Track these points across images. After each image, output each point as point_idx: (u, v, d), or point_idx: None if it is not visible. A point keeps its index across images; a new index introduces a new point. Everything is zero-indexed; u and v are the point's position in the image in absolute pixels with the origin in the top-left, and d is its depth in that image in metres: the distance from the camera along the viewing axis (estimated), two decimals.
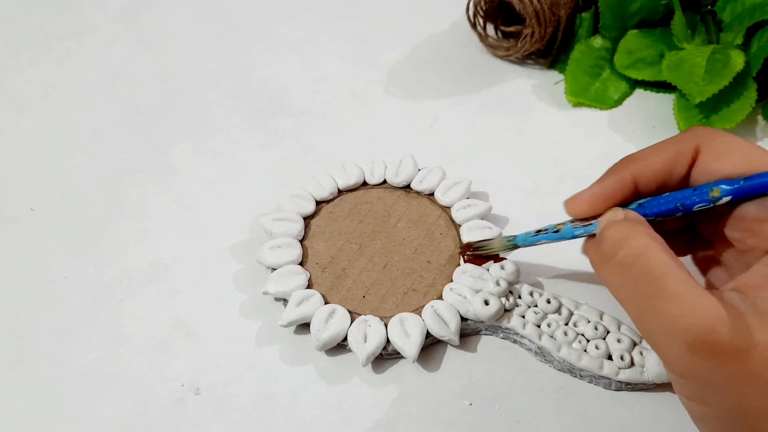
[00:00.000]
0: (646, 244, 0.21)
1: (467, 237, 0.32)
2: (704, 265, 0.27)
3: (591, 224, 0.25)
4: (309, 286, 0.31)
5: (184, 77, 0.45)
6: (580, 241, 0.29)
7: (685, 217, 0.26)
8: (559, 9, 0.42)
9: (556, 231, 0.27)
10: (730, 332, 0.19)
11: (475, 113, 0.42)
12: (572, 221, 0.26)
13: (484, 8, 0.44)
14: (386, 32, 0.48)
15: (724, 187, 0.23)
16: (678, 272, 0.20)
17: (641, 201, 0.25)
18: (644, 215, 0.24)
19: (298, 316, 0.30)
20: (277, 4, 0.51)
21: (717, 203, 0.23)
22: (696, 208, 0.23)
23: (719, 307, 0.20)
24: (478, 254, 0.31)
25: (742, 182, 0.22)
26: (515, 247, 0.30)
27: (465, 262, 0.31)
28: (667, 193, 0.24)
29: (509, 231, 0.34)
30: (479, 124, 0.41)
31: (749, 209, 0.23)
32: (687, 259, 0.28)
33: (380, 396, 0.29)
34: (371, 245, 0.33)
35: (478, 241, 0.31)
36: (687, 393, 0.21)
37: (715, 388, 0.20)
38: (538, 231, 0.28)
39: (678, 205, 0.24)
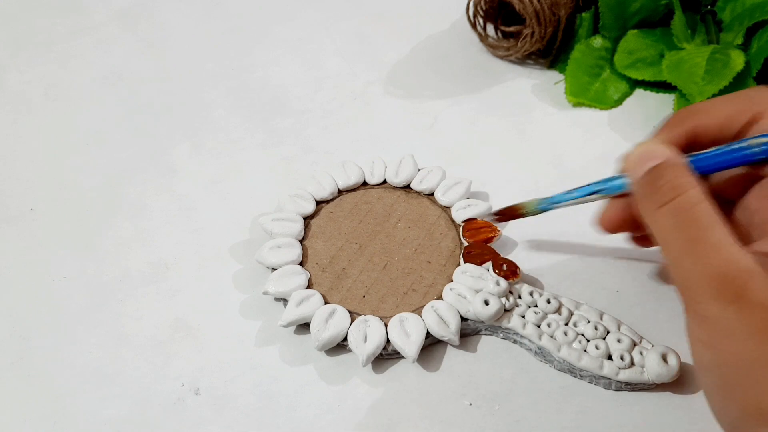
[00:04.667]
0: (699, 196, 0.23)
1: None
2: None
3: None
4: (309, 286, 0.31)
5: (184, 77, 0.45)
6: (584, 239, 0.29)
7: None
8: (559, 9, 0.42)
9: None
10: (758, 285, 0.21)
11: (475, 113, 0.42)
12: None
13: (484, 8, 0.44)
14: (386, 32, 0.48)
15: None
16: (722, 226, 0.22)
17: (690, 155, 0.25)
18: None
19: (298, 316, 0.30)
20: (277, 4, 0.51)
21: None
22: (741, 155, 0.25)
23: (753, 263, 0.21)
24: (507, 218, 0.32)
25: None
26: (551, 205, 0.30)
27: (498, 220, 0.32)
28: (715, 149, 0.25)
29: (509, 231, 0.34)
30: (479, 124, 0.41)
31: None
32: None
33: (380, 396, 0.29)
34: (371, 245, 0.33)
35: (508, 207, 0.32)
36: (702, 336, 0.22)
37: (730, 334, 0.21)
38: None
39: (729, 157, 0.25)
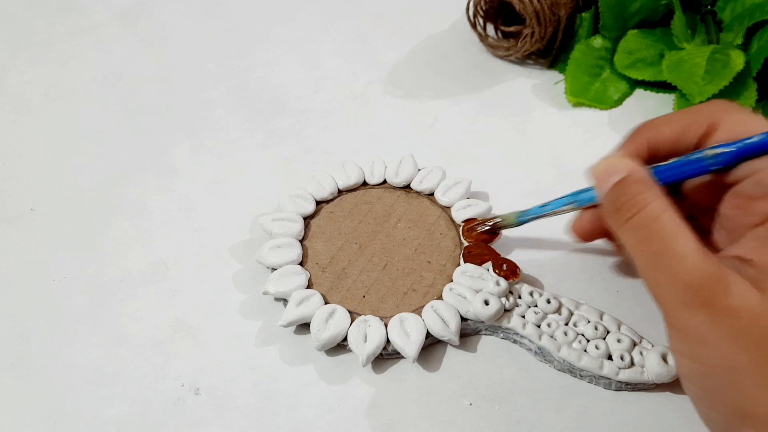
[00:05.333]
0: (660, 208, 0.23)
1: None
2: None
3: None
4: (309, 286, 0.31)
5: (184, 77, 0.45)
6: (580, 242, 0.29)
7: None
8: (559, 9, 0.42)
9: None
10: (725, 292, 0.21)
11: (475, 113, 0.42)
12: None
13: (484, 8, 0.44)
14: (386, 32, 0.48)
15: (723, 149, 0.24)
16: (687, 235, 0.22)
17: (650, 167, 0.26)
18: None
19: (298, 316, 0.30)
20: (277, 4, 0.51)
21: (714, 162, 0.25)
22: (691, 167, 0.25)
23: (719, 269, 0.21)
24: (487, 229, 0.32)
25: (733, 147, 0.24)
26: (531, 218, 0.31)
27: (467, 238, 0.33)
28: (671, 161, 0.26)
29: (509, 230, 0.34)
30: (479, 124, 0.41)
31: (745, 187, 0.25)
32: None
33: (380, 396, 0.29)
34: (371, 245, 0.33)
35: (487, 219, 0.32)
36: (679, 347, 0.23)
37: (705, 343, 0.21)
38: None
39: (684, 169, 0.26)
